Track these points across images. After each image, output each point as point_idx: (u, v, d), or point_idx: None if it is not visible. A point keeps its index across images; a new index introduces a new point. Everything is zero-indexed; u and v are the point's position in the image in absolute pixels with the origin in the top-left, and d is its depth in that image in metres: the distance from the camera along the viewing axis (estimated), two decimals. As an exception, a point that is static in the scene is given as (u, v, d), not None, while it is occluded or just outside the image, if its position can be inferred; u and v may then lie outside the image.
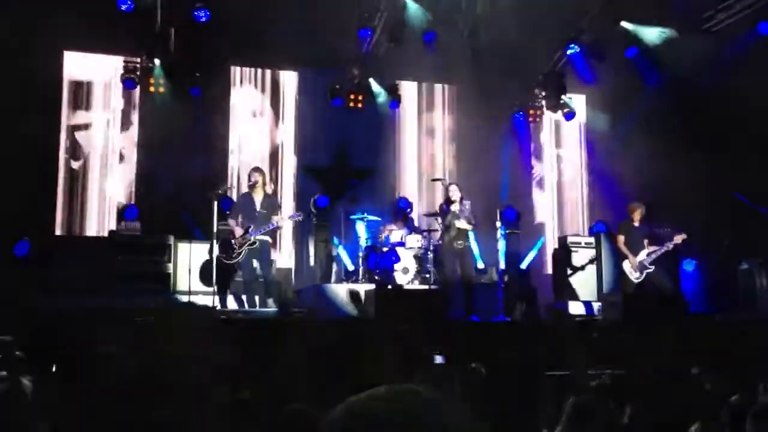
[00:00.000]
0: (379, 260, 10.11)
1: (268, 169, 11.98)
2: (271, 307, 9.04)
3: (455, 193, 9.14)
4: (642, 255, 9.65)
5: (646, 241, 9.75)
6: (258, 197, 9.11)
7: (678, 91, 11.68)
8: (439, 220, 9.57)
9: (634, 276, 9.65)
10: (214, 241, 8.96)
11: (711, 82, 10.95)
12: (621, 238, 9.88)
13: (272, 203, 9.30)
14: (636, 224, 9.87)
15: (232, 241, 8.92)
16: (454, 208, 9.05)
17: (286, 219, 9.78)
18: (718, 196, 10.66)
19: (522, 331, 8.30)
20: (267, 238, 9.10)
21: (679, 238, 9.55)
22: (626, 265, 9.74)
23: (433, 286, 9.64)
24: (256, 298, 9.25)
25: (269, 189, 9.43)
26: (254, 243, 8.93)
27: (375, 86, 12.28)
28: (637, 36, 11.52)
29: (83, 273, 8.97)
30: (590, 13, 11.54)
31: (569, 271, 10.89)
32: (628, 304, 8.50)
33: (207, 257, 9.25)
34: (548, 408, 3.80)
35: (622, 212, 10.87)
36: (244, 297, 9.24)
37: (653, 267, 9.61)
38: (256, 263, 9.09)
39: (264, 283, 9.30)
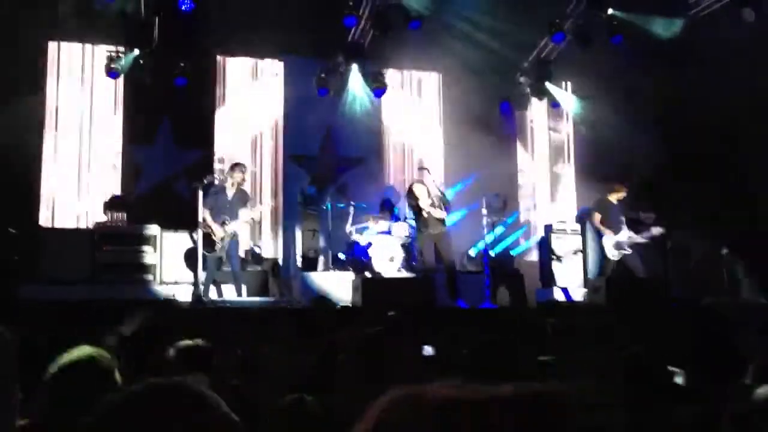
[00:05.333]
0: (368, 249, 10.15)
1: (254, 158, 12.07)
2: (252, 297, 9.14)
3: (420, 191, 9.06)
4: (623, 236, 9.56)
5: (623, 222, 9.64)
6: (231, 190, 9.22)
7: (664, 79, 11.69)
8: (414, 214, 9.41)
9: (612, 254, 9.61)
10: (194, 234, 9.05)
11: (698, 69, 10.97)
12: (597, 216, 9.76)
13: (242, 196, 9.37)
14: (614, 202, 9.76)
15: (212, 235, 8.99)
16: (423, 204, 8.99)
17: (257, 210, 9.82)
18: (704, 183, 10.73)
19: (507, 317, 8.34)
20: (238, 230, 9.20)
21: (656, 231, 9.49)
22: (605, 242, 9.67)
23: (421, 274, 9.67)
24: (243, 287, 9.31)
25: (243, 184, 9.47)
26: (234, 235, 9.07)
27: (361, 75, 12.25)
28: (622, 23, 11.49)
29: (68, 264, 8.95)
30: (575, 1, 11.56)
31: (554, 258, 10.93)
32: (612, 290, 8.54)
33: (190, 246, 9.29)
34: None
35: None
36: (232, 287, 9.30)
37: (630, 251, 9.57)
38: (228, 255, 9.18)
39: (232, 275, 9.34)
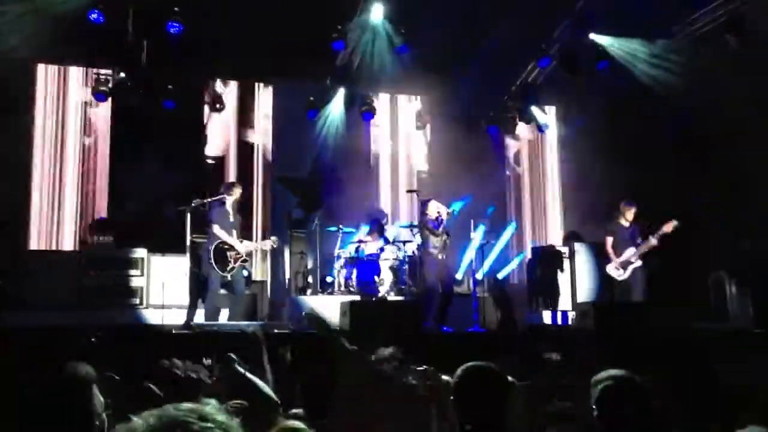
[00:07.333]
0: (358, 272, 10.10)
1: (242, 180, 12.03)
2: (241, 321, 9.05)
3: (440, 208, 9.09)
4: (628, 253, 9.54)
5: (634, 241, 9.62)
6: (232, 210, 9.07)
7: (647, 104, 11.78)
8: (429, 232, 9.31)
9: (617, 273, 9.57)
10: (189, 253, 8.95)
11: (681, 93, 11.05)
12: (609, 240, 9.71)
13: (240, 217, 9.27)
14: (626, 225, 9.69)
15: (228, 253, 8.83)
16: (444, 218, 9.04)
17: (266, 244, 9.71)
18: (688, 206, 10.77)
19: (496, 341, 8.31)
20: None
21: (669, 226, 9.23)
22: (609, 268, 9.66)
23: (409, 298, 9.64)
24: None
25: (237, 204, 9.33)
26: (246, 259, 8.97)
27: (350, 98, 12.29)
28: (607, 50, 11.59)
29: (53, 288, 8.86)
30: (561, 26, 11.66)
31: (543, 281, 10.92)
32: (601, 314, 8.51)
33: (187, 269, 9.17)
34: (522, 417, 3.81)
35: (596, 221, 10.95)
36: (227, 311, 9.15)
37: (641, 262, 9.54)
38: (234, 278, 9.01)
39: (234, 299, 9.14)
